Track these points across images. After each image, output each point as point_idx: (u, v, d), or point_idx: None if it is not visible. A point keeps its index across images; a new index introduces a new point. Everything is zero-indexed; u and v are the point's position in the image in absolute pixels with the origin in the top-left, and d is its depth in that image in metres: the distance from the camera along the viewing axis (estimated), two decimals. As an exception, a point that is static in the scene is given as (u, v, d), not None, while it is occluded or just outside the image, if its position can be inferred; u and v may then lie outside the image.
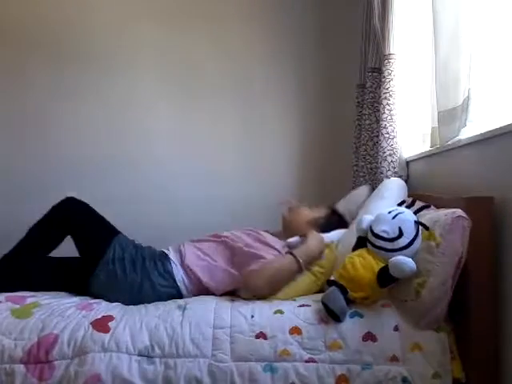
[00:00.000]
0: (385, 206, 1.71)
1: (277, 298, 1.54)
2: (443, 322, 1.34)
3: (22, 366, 1.29)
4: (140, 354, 1.31)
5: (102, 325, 1.36)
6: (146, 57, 2.84)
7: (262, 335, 1.34)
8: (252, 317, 1.38)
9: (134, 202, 2.79)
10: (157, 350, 1.31)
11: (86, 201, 1.79)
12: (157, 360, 1.30)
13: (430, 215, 1.44)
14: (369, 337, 1.33)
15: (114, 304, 1.53)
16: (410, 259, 1.32)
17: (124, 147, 2.83)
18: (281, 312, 1.40)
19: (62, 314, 1.41)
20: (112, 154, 2.82)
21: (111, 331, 1.35)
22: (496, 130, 1.31)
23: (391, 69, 2.07)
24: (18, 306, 1.45)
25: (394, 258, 1.33)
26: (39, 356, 1.30)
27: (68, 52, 2.82)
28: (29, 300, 1.50)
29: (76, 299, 1.56)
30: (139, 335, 1.34)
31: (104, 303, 1.53)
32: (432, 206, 1.51)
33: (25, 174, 2.81)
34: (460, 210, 1.31)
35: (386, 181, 2.01)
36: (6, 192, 2.77)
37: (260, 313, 1.40)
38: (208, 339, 1.33)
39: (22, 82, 2.83)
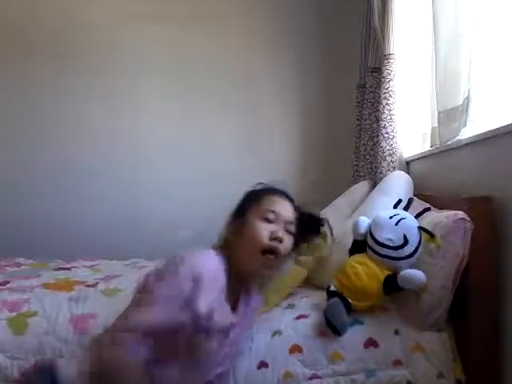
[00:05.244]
0: (390, 202, 1.63)
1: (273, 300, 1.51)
2: (444, 323, 1.33)
3: None
4: None
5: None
6: (146, 57, 2.84)
7: (263, 365, 1.31)
8: (252, 340, 1.33)
9: (132, 203, 2.79)
10: None
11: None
12: None
13: (430, 217, 1.41)
14: (370, 343, 1.31)
15: None
16: (420, 272, 1.29)
17: (122, 148, 2.83)
18: (279, 333, 1.36)
19: (57, 334, 1.37)
20: (110, 155, 2.81)
21: None
22: (496, 130, 1.30)
23: (391, 69, 2.06)
24: (14, 314, 1.42)
25: (404, 272, 1.30)
26: (36, 380, 1.25)
27: (67, 51, 2.82)
28: (24, 307, 1.45)
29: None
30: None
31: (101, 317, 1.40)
32: (432, 208, 1.49)
33: (20, 175, 2.81)
34: (461, 213, 1.29)
35: (391, 175, 1.96)
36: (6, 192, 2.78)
37: (258, 339, 1.35)
38: None
39: (21, 82, 2.83)
